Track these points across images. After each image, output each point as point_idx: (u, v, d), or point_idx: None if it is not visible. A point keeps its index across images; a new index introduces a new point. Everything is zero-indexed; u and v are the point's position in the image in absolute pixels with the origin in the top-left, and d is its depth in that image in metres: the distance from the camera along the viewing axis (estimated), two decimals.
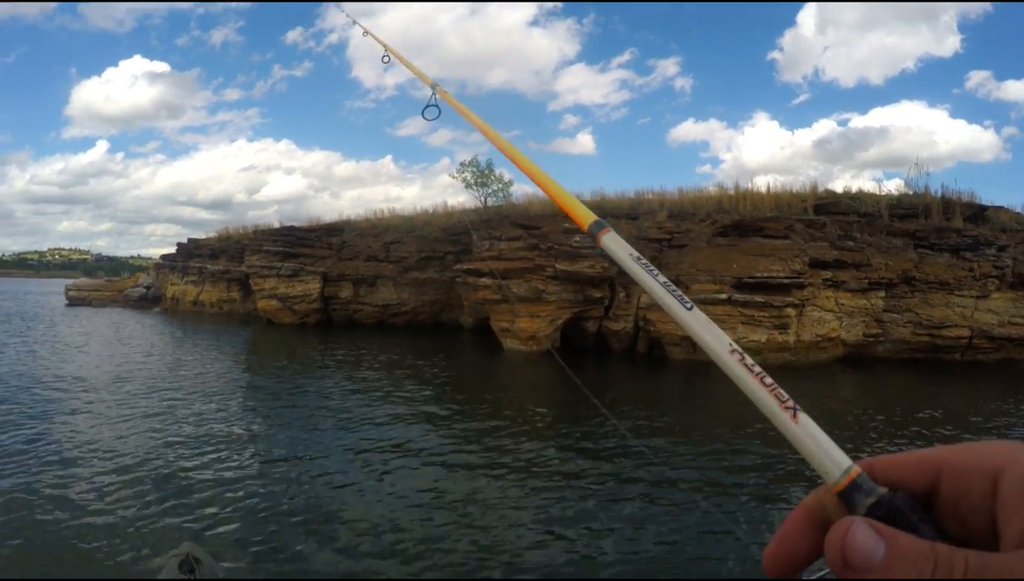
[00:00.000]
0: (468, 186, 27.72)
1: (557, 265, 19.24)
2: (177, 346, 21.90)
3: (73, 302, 43.04)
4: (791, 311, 18.52)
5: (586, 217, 0.81)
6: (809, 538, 0.50)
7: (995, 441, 0.48)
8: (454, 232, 26.09)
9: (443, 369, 17.56)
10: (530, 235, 20.06)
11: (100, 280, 51.88)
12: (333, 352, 20.41)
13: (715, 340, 0.59)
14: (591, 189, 26.71)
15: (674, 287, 0.64)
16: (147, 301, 40.97)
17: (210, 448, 9.76)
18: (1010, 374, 18.41)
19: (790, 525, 0.52)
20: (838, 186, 23.97)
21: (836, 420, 12.10)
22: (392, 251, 27.52)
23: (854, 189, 24.51)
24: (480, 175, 27.27)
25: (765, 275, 18.50)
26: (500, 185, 27.35)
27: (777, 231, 19.90)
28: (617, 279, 20.24)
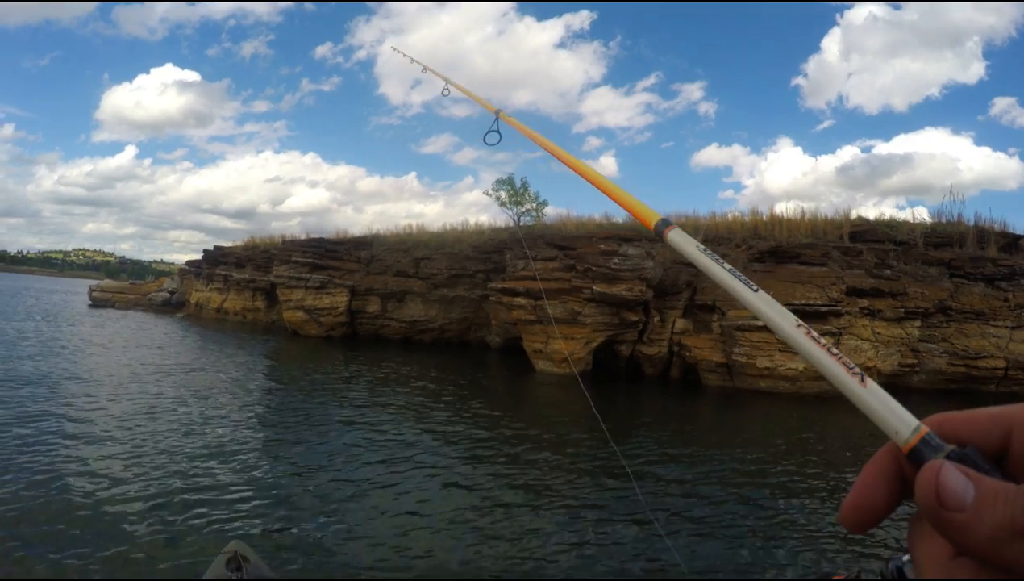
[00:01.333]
0: (503, 205, 27.13)
1: (595, 287, 18.75)
2: (205, 354, 21.48)
3: (96, 303, 42.75)
4: (829, 340, 17.77)
5: (652, 217, 0.85)
6: (886, 489, 0.52)
7: None
8: (485, 250, 25.63)
9: (475, 391, 17.03)
10: (566, 256, 19.59)
11: (124, 282, 51.47)
12: (362, 367, 19.93)
13: (782, 318, 0.63)
14: (618, 212, 26.28)
15: (739, 273, 0.68)
16: (171, 306, 40.67)
17: (245, 455, 9.63)
18: None
19: (867, 477, 0.52)
20: (862, 213, 23.49)
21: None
22: (422, 267, 27.00)
23: (876, 216, 24.03)
24: (515, 194, 26.67)
25: (803, 302, 18.12)
26: (535, 204, 26.79)
27: (814, 258, 19.58)
28: (652, 304, 19.77)
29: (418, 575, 5.97)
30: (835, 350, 0.57)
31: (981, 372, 19.46)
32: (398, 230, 31.27)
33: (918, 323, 19.44)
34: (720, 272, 0.71)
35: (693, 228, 22.11)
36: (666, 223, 0.83)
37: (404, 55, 5.29)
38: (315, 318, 28.08)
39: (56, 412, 11.69)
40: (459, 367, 20.93)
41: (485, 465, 10.13)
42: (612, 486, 9.23)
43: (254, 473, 8.85)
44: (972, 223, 22.89)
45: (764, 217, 22.79)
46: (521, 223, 25.90)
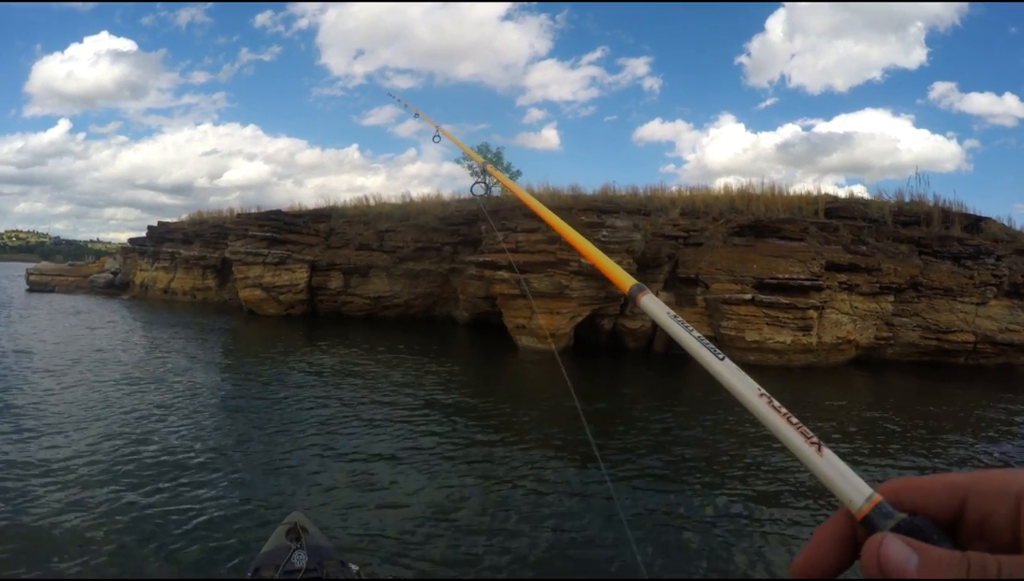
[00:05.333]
0: (475, 174, 25.20)
1: (582, 260, 17.10)
2: (160, 340, 19.29)
3: (35, 287, 38.85)
4: (813, 313, 17.20)
5: (626, 280, 0.84)
6: (838, 550, 0.52)
7: (1019, 468, 0.49)
8: (453, 222, 23.74)
9: (462, 371, 15.51)
10: (549, 228, 17.93)
11: (63, 264, 47.40)
12: (331, 347, 18.04)
13: (745, 386, 0.62)
14: (567, 184, 24.77)
15: (707, 341, 0.68)
16: (114, 288, 37.21)
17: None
18: (1011, 377, 17.85)
19: (820, 538, 0.53)
20: (799, 190, 22.52)
21: (875, 425, 11.46)
22: (386, 240, 24.87)
23: (814, 193, 23.07)
24: (488, 163, 24.76)
25: (786, 277, 17.27)
26: (509, 175, 24.88)
27: (793, 233, 18.78)
28: (637, 276, 18.33)
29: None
30: (795, 419, 0.57)
31: (952, 346, 18.92)
32: (357, 202, 28.77)
33: (891, 298, 18.87)
34: (689, 339, 0.69)
35: (671, 202, 20.74)
36: (640, 288, 0.81)
37: (398, 99, 5.81)
38: (274, 296, 25.62)
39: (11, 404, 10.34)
40: (435, 345, 19.20)
41: (484, 449, 9.24)
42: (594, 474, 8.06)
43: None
44: (939, 203, 22.36)
45: (749, 191, 21.63)
46: (493, 194, 24.01)
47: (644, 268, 18.52)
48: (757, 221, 19.22)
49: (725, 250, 18.46)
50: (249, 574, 3.61)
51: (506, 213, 19.56)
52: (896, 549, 0.45)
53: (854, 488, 0.51)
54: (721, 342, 17.31)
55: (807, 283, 17.25)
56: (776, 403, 0.59)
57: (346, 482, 7.46)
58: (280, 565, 3.57)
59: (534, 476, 7.95)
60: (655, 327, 18.62)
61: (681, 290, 18.59)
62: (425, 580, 5.26)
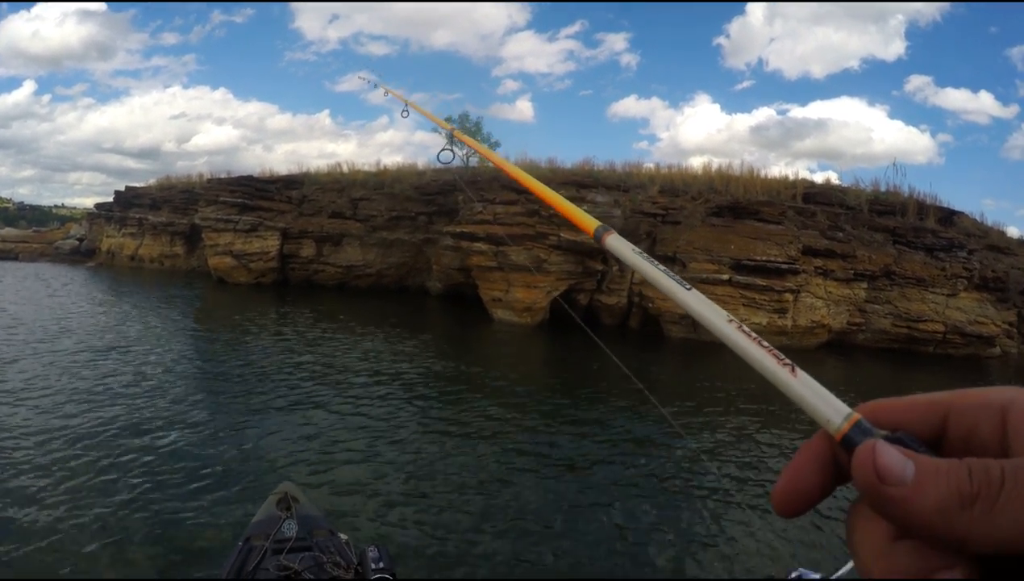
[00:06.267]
0: (452, 143, 24.42)
1: (561, 234, 16.80)
2: (129, 307, 18.49)
3: None
4: (789, 296, 17.07)
5: (591, 223, 0.85)
6: (819, 476, 0.48)
7: (1002, 386, 0.46)
8: (428, 192, 23.10)
9: (436, 342, 15.08)
10: (528, 200, 17.50)
11: (27, 230, 45.67)
12: (305, 317, 17.46)
13: (714, 314, 0.60)
14: (543, 157, 24.15)
15: (672, 274, 0.66)
16: (80, 254, 35.82)
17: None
18: (977, 368, 17.91)
19: (799, 463, 0.49)
20: (773, 173, 22.45)
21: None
22: (360, 208, 24.14)
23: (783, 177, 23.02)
24: (466, 133, 23.90)
25: (764, 259, 17.17)
26: (488, 145, 24.20)
27: (772, 216, 18.67)
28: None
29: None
30: (766, 343, 0.53)
31: (922, 334, 18.92)
32: (330, 169, 27.83)
33: (865, 285, 18.84)
34: (655, 272, 0.67)
35: (650, 179, 20.37)
36: (604, 229, 0.80)
37: (366, 79, 5.96)
38: (244, 264, 24.77)
39: None
40: (408, 316, 18.72)
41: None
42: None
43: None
44: (912, 195, 22.33)
45: (726, 172, 21.39)
46: (470, 165, 23.35)
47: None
48: (736, 202, 19.02)
49: (703, 230, 18.21)
50: (240, 544, 3.54)
51: (484, 184, 19.07)
52: (891, 454, 0.42)
53: (831, 408, 0.47)
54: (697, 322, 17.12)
55: (784, 266, 17.14)
56: (746, 328, 0.55)
57: (331, 452, 7.24)
58: (271, 534, 3.54)
59: (518, 439, 7.68)
60: (630, 303, 18.32)
61: None
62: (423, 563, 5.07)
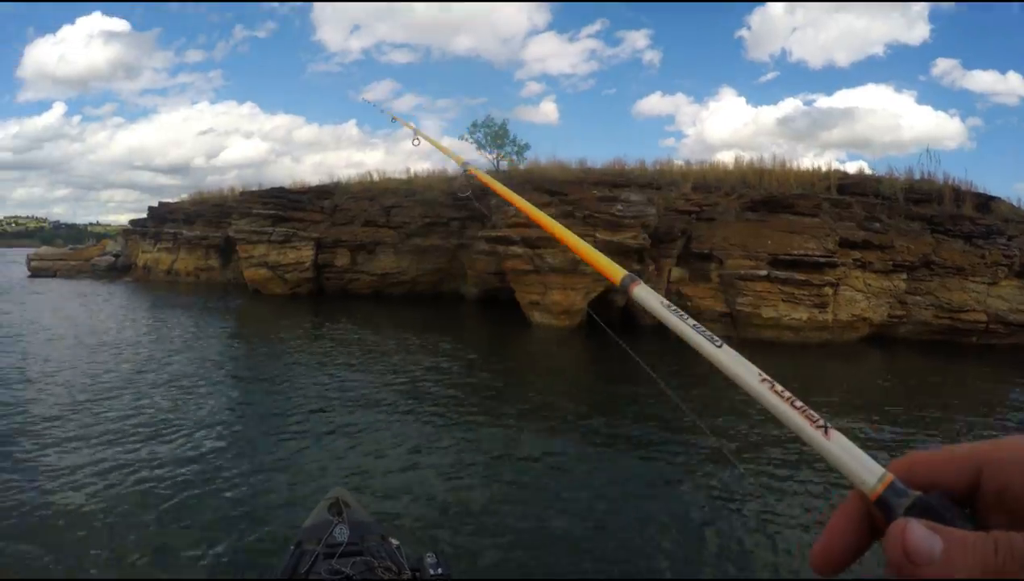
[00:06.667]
0: (481, 147, 24.34)
1: (597, 234, 16.69)
2: (170, 320, 18.74)
3: (36, 273, 37.55)
4: (829, 290, 16.75)
5: (617, 272, 0.82)
6: (856, 534, 0.51)
7: None
8: (460, 196, 23.04)
9: (478, 348, 15.14)
10: (562, 202, 17.40)
11: (63, 248, 46.36)
12: (343, 325, 17.55)
13: (746, 372, 0.60)
14: (568, 157, 23.97)
15: (703, 328, 0.66)
16: (116, 270, 36.30)
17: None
18: (1022, 358, 17.17)
19: (837, 523, 0.51)
20: (803, 164, 22.02)
21: (897, 403, 11.03)
22: (393, 216, 24.14)
23: (812, 168, 22.59)
24: (495, 136, 23.86)
25: (801, 253, 16.85)
26: (516, 147, 24.04)
27: (807, 209, 18.36)
28: (647, 253, 17.84)
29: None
30: (799, 403, 0.55)
31: (964, 325, 18.50)
32: (361, 177, 28.02)
33: (904, 276, 18.41)
34: (684, 327, 0.67)
35: (682, 176, 20.19)
36: (631, 279, 0.79)
37: (371, 103, 6.29)
38: (279, 274, 25.01)
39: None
40: (446, 322, 18.78)
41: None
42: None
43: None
44: (942, 181, 21.90)
45: (757, 165, 21.11)
46: (499, 168, 23.25)
47: (657, 243, 18.02)
48: (771, 196, 18.78)
49: (739, 225, 18.00)
50: (292, 547, 3.55)
51: (515, 187, 18.93)
52: (920, 535, 0.43)
53: (865, 468, 0.49)
54: (737, 319, 16.92)
55: (822, 260, 16.84)
56: (779, 387, 0.56)
57: (377, 458, 7.24)
58: (322, 539, 3.51)
59: (569, 453, 7.61)
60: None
61: (695, 265, 18.12)
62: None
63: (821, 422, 0.53)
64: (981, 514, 0.46)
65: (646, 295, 0.74)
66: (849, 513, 0.50)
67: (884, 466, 0.49)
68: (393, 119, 4.06)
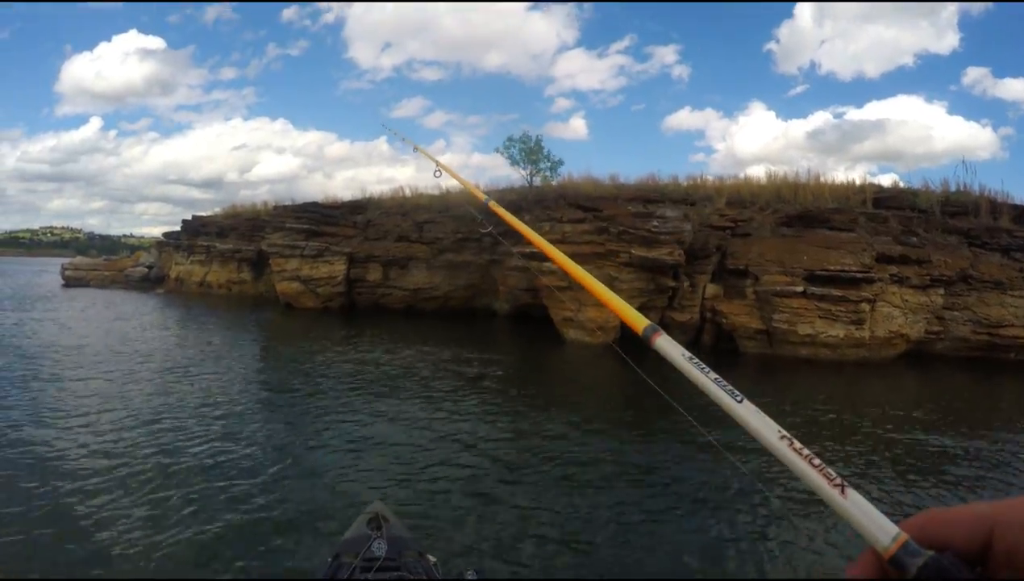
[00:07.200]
0: (515, 164, 24.28)
1: (633, 250, 16.62)
2: (204, 332, 18.93)
3: (70, 282, 38.03)
4: (866, 306, 16.49)
5: (640, 322, 0.80)
6: None
7: None
8: (483, 233, 23.03)
9: (514, 363, 15.07)
10: (595, 217, 17.34)
11: (97, 259, 46.98)
12: (376, 340, 17.63)
13: (766, 428, 0.60)
14: (598, 173, 23.58)
15: (724, 383, 0.66)
16: (149, 282, 36.73)
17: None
18: None
19: (853, 577, 0.53)
20: (835, 178, 21.70)
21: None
22: (425, 231, 24.17)
23: (845, 181, 22.23)
24: (529, 152, 23.80)
25: (838, 268, 16.61)
26: (550, 163, 23.94)
27: (843, 223, 18.24)
28: (681, 269, 17.70)
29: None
30: (817, 461, 0.56)
31: (1004, 341, 18.17)
32: (393, 193, 28.02)
33: (942, 291, 18.09)
34: (706, 381, 0.67)
35: (716, 191, 20.05)
36: (653, 329, 0.79)
37: (394, 132, 5.71)
38: (312, 289, 25.17)
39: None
40: (480, 338, 18.76)
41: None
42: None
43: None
44: (978, 192, 21.52)
45: (793, 179, 20.86)
46: (533, 184, 23.18)
47: (691, 259, 17.88)
48: (806, 211, 18.60)
49: (774, 241, 17.83)
50: (330, 560, 3.55)
51: (550, 203, 18.97)
52: None
53: (879, 528, 0.50)
54: (773, 336, 16.71)
55: (859, 275, 16.61)
56: (797, 444, 0.57)
57: (414, 475, 7.17)
58: (360, 553, 3.49)
59: (621, 471, 7.46)
60: (703, 319, 18.01)
61: (729, 282, 17.96)
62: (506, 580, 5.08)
63: (838, 480, 0.54)
64: (992, 573, 0.47)
65: (669, 347, 0.73)
66: (863, 570, 0.51)
67: (914, 509, 0.49)
68: (415, 149, 4.01)
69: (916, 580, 0.48)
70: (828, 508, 0.54)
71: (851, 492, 0.53)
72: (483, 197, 2.43)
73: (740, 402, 0.62)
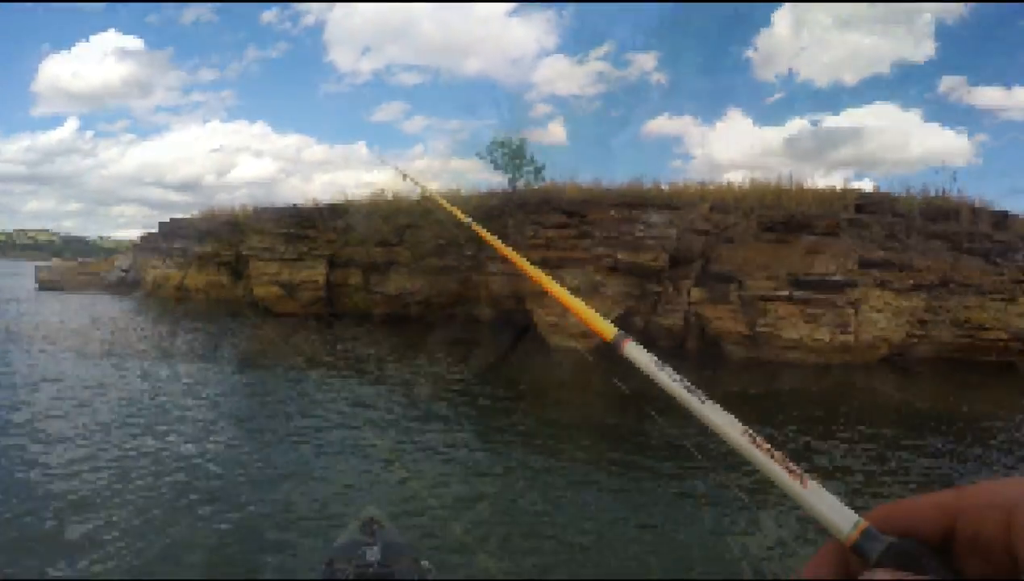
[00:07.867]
0: (497, 168, 24.02)
1: (619, 255, 16.42)
2: (181, 337, 18.41)
3: (44, 286, 37.02)
4: (850, 310, 16.44)
5: (609, 330, 0.82)
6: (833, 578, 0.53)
7: (1008, 479, 0.49)
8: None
9: (499, 372, 15.10)
10: (581, 222, 17.10)
11: (73, 262, 46.06)
12: (357, 345, 17.34)
13: (730, 426, 0.62)
14: (575, 178, 23.41)
15: (693, 387, 0.67)
16: (126, 285, 35.93)
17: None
18: None
19: (813, 568, 0.53)
20: (812, 185, 21.70)
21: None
22: (407, 236, 23.71)
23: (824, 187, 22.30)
24: (513, 156, 23.50)
25: (822, 273, 16.59)
26: (533, 168, 23.66)
27: (826, 228, 18.16)
28: (665, 274, 17.53)
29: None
30: (777, 453, 0.57)
31: (984, 343, 18.26)
32: (374, 197, 27.41)
33: (924, 295, 18.17)
34: (676, 387, 0.67)
35: (700, 197, 19.89)
36: (623, 336, 0.78)
37: (386, 162, 7.72)
38: (292, 293, 24.65)
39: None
40: (463, 344, 18.47)
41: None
42: None
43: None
44: (957, 198, 21.61)
45: (765, 186, 20.73)
46: (516, 189, 22.89)
47: (675, 264, 17.71)
48: (789, 216, 18.52)
49: (758, 246, 17.76)
50: (322, 566, 3.54)
51: (534, 207, 18.71)
52: None
53: (840, 516, 0.51)
54: (758, 340, 16.62)
55: (842, 280, 16.71)
56: (759, 440, 0.58)
57: (411, 480, 7.17)
58: (353, 559, 3.53)
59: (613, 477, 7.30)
60: (687, 324, 17.84)
61: (714, 286, 17.82)
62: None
63: (798, 471, 0.54)
64: (958, 560, 0.47)
65: (637, 354, 0.73)
66: (824, 560, 0.51)
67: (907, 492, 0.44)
68: (404, 177, 4.14)
69: (878, 564, 0.47)
70: (790, 500, 0.54)
71: (810, 482, 0.53)
72: (467, 221, 2.14)
73: (704, 403, 0.62)
